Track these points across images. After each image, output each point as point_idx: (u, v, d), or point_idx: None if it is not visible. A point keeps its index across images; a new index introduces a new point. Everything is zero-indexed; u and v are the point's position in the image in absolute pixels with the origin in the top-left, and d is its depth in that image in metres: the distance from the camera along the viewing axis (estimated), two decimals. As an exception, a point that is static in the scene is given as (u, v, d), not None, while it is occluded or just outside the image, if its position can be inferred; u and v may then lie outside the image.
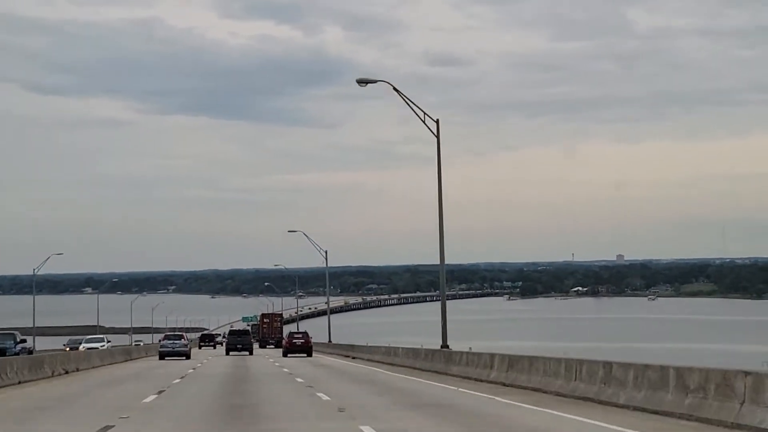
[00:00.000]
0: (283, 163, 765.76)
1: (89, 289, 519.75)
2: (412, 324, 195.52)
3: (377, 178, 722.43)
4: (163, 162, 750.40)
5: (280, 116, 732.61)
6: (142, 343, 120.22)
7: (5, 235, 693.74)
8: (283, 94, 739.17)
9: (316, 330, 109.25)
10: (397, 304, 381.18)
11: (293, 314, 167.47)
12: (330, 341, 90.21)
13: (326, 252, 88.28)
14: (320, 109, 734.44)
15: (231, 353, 76.91)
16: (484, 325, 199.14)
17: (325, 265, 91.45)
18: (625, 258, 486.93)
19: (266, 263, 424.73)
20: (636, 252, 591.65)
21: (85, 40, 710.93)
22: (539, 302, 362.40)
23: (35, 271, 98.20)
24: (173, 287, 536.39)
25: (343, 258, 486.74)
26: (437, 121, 41.43)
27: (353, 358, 64.17)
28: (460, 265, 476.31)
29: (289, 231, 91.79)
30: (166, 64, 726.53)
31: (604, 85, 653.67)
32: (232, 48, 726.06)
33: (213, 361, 61.21)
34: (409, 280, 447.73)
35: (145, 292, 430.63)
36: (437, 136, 41.41)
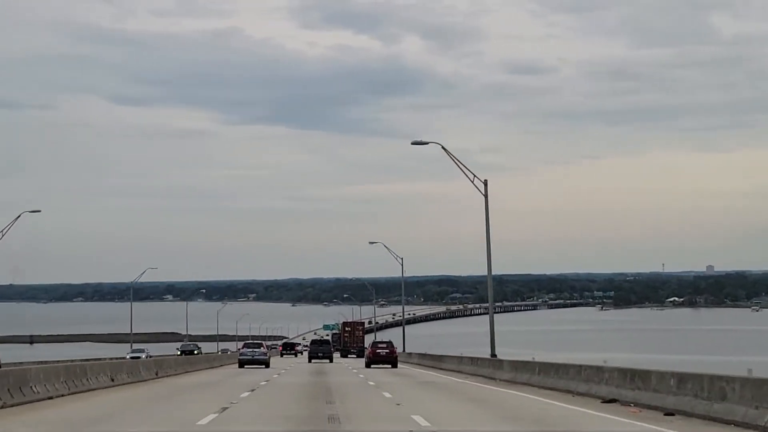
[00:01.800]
0: (362, 173, 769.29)
1: (170, 297, 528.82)
2: (498, 334, 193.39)
3: (456, 188, 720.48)
4: (242, 172, 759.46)
5: (358, 126, 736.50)
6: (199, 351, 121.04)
7: (88, 244, 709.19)
8: (361, 104, 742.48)
9: (398, 339, 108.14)
10: (483, 314, 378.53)
11: (373, 321, 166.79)
12: (404, 350, 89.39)
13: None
14: (398, 119, 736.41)
15: (313, 360, 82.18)
16: (583, 335, 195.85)
17: (407, 274, 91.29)
18: (716, 269, 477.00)
19: (347, 272, 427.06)
20: (726, 263, 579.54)
21: (166, 52, 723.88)
22: (633, 312, 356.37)
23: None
24: (254, 295, 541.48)
25: (425, 267, 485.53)
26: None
27: (462, 373, 56.46)
28: (545, 274, 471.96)
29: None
30: (244, 75, 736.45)
31: (686, 92, 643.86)
32: (310, 58, 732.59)
33: (292, 370, 60.50)
34: (494, 288, 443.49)
35: (225, 300, 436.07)
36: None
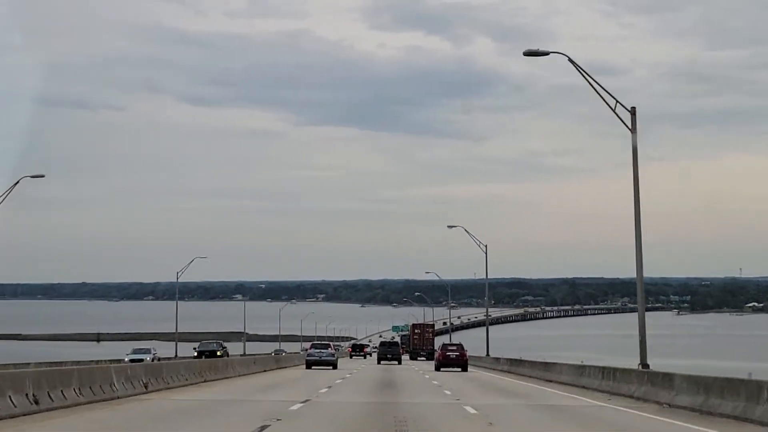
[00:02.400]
0: (432, 175, 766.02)
1: (239, 296, 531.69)
2: (574, 338, 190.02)
3: (527, 190, 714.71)
4: (313, 173, 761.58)
5: (429, 128, 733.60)
6: (284, 353, 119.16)
7: (159, 243, 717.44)
8: (432, 106, 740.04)
9: (469, 342, 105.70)
10: (556, 317, 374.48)
11: (448, 322, 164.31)
12: (488, 354, 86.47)
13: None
14: (469, 121, 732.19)
15: (382, 362, 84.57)
16: (666, 340, 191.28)
17: (476, 276, 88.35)
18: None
19: (416, 274, 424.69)
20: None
21: (238, 53, 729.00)
22: (711, 317, 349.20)
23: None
24: (323, 296, 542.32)
25: (496, 270, 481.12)
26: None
27: (549, 381, 48.67)
28: (618, 278, 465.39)
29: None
30: (316, 76, 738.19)
31: (762, 94, 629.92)
32: (381, 59, 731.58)
33: (361, 372, 58.65)
34: (567, 292, 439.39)
35: (294, 300, 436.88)
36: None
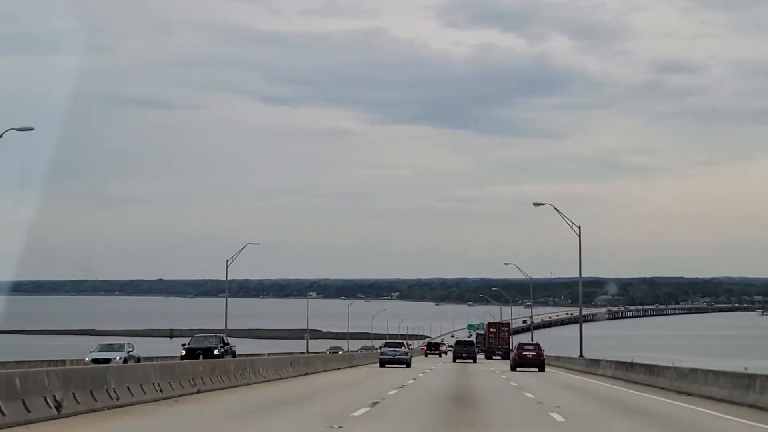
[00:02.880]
0: (508, 174, 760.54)
1: (313, 294, 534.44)
2: (656, 338, 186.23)
3: (604, 189, 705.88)
4: (387, 171, 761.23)
5: (505, 126, 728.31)
6: (340, 351, 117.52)
7: (234, 241, 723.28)
8: (506, 104, 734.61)
9: (546, 341, 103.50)
10: (635, 317, 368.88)
11: (524, 322, 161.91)
12: (581, 355, 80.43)
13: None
14: (544, 119, 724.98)
15: (457, 360, 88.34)
16: (751, 341, 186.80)
17: (552, 275, 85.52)
18: None
19: (492, 273, 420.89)
20: None
21: (313, 51, 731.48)
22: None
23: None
24: (397, 294, 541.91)
25: (571, 268, 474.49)
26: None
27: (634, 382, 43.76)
28: (698, 278, 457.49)
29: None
30: (390, 75, 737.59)
31: None
32: (455, 58, 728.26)
33: (435, 372, 57.08)
34: (646, 291, 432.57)
35: (367, 298, 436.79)
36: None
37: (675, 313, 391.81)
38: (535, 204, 76.25)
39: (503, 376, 51.91)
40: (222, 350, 55.54)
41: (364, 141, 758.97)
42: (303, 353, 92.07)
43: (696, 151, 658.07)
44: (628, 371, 47.75)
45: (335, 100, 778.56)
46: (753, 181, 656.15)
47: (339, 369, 59.86)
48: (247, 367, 38.52)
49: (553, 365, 77.24)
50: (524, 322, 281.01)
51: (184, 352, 55.13)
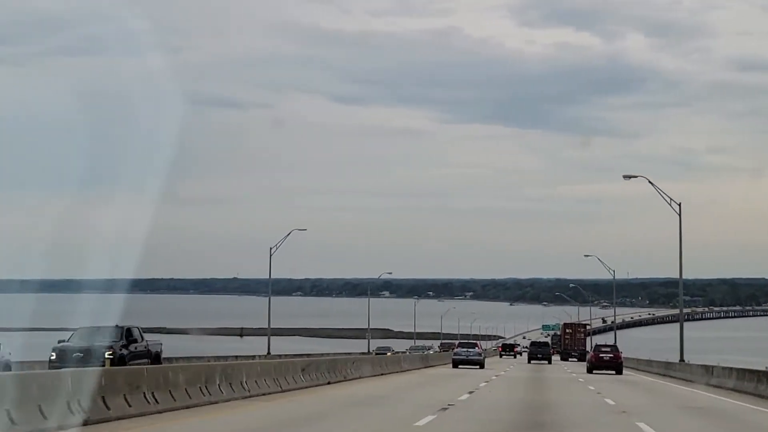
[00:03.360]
0: (583, 173, 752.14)
1: (386, 293, 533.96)
2: (739, 340, 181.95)
3: (681, 188, 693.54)
4: (459, 170, 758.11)
5: (577, 125, 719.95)
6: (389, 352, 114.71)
7: (308, 241, 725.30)
8: (581, 103, 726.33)
9: (623, 343, 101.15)
10: (714, 318, 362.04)
11: (604, 322, 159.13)
12: (682, 359, 74.05)
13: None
14: (619, 118, 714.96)
15: (532, 361, 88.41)
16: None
17: (629, 275, 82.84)
18: None
19: (566, 273, 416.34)
20: None
21: (385, 51, 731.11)
22: None
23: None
24: (471, 294, 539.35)
25: (649, 269, 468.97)
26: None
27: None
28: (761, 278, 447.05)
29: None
30: (462, 74, 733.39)
31: None
32: (529, 56, 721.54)
33: (509, 374, 55.43)
34: (726, 292, 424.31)
35: (441, 298, 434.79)
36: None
37: (758, 315, 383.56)
38: (625, 176, 66.29)
39: (581, 380, 50.13)
40: (120, 353, 35.86)
41: (435, 140, 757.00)
42: (360, 354, 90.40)
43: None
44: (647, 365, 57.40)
45: (408, 99, 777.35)
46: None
47: (394, 373, 57.26)
48: (211, 377, 26.30)
49: (631, 368, 75.14)
50: (603, 321, 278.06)
51: (53, 356, 35.36)
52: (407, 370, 57.07)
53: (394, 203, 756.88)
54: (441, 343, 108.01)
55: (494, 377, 49.34)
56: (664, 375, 60.87)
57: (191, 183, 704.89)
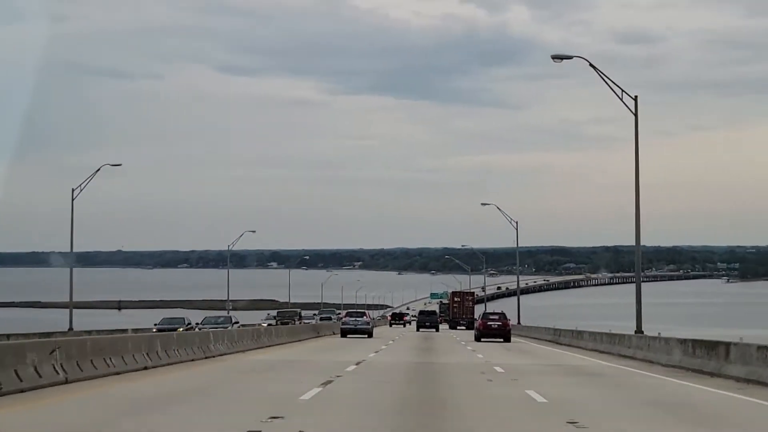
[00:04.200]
0: (471, 144, 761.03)
1: (274, 264, 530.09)
2: (615, 306, 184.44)
3: (566, 159, 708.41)
4: (350, 142, 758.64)
5: (465, 96, 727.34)
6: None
7: (194, 212, 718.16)
8: (468, 74, 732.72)
9: (508, 311, 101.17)
10: (598, 285, 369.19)
11: (494, 290, 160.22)
12: (519, 322, 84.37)
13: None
14: (505, 90, 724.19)
15: (421, 330, 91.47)
16: (721, 309, 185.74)
17: (516, 243, 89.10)
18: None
19: (455, 242, 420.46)
20: None
21: (273, 21, 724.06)
22: (763, 285, 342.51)
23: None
24: (359, 263, 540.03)
25: (536, 238, 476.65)
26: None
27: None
28: (660, 246, 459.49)
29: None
30: (351, 44, 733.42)
31: None
32: (416, 27, 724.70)
33: (397, 343, 53.89)
34: (610, 259, 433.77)
35: (330, 268, 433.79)
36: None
37: (642, 281, 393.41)
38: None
39: (469, 347, 48.84)
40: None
41: (327, 111, 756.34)
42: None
43: (656, 121, 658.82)
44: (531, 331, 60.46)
45: (298, 70, 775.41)
46: (711, 152, 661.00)
47: (311, 338, 56.04)
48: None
49: (521, 335, 74.63)
50: (498, 288, 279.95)
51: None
52: (299, 341, 55.09)
53: (283, 174, 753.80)
54: (278, 312, 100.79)
55: (383, 346, 47.89)
56: (553, 342, 60.12)
57: (78, 154, 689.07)
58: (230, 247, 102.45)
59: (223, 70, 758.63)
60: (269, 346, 45.66)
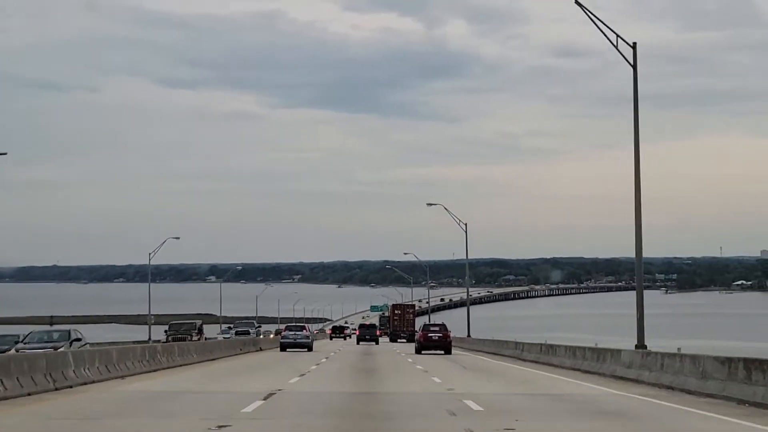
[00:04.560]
0: (411, 157, 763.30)
1: (213, 278, 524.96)
2: (562, 317, 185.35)
3: (504, 171, 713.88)
4: (290, 155, 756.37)
5: (405, 109, 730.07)
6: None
7: (133, 225, 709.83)
8: (407, 87, 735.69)
9: (451, 323, 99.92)
10: (540, 296, 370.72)
11: (427, 303, 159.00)
12: (468, 335, 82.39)
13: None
14: (444, 103, 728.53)
15: (361, 342, 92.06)
16: (662, 320, 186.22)
17: (455, 256, 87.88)
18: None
19: (395, 255, 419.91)
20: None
21: (213, 34, 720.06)
22: (701, 296, 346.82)
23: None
24: (299, 276, 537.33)
25: (476, 250, 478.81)
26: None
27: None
28: (598, 258, 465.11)
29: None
30: (291, 58, 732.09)
31: (738, 77, 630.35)
32: (355, 41, 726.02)
33: (337, 357, 52.30)
34: (549, 271, 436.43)
35: (269, 282, 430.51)
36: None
37: (578, 293, 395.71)
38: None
39: (409, 360, 47.49)
40: None
41: (267, 124, 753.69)
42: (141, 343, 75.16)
43: (591, 134, 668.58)
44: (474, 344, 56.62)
45: (238, 83, 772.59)
46: (648, 165, 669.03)
47: (251, 351, 54.13)
48: None
49: (463, 347, 73.53)
50: (442, 300, 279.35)
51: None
52: (233, 355, 53.19)
53: (223, 187, 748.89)
54: (169, 326, 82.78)
55: (324, 359, 47.02)
56: (495, 354, 58.95)
57: (10, 168, 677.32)
58: (152, 256, 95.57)
59: (162, 83, 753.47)
60: (168, 367, 38.23)
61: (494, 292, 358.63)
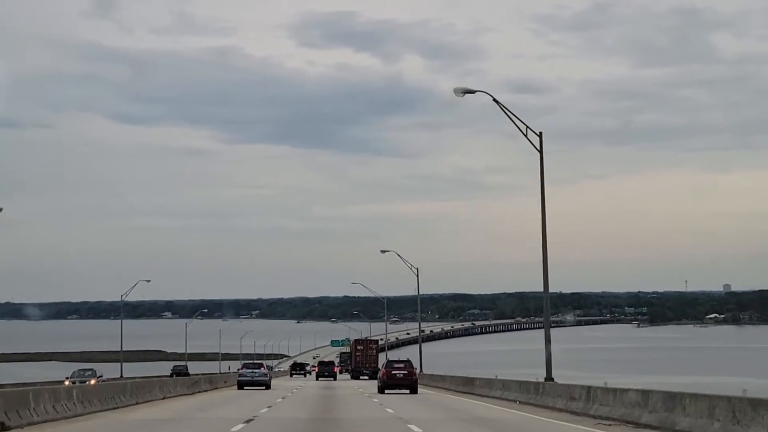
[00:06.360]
0: (368, 193, 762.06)
1: (168, 314, 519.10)
2: (524, 353, 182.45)
3: (463, 207, 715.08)
4: (246, 191, 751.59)
5: (362, 145, 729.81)
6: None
7: (87, 262, 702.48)
8: (363, 123, 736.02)
9: (415, 358, 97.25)
10: (503, 331, 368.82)
11: (397, 339, 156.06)
12: (421, 371, 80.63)
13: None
14: (400, 139, 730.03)
15: (320, 378, 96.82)
16: (636, 354, 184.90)
17: (417, 290, 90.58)
18: (733, 288, 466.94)
19: (355, 290, 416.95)
20: (745, 282, 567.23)
21: (166, 70, 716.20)
22: (673, 329, 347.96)
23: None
24: (257, 312, 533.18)
25: (438, 285, 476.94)
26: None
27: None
28: (562, 292, 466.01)
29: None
30: (245, 93, 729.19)
31: (691, 112, 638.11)
32: (311, 77, 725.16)
33: (295, 395, 49.19)
34: (515, 305, 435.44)
35: (226, 317, 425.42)
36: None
37: (551, 326, 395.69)
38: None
39: (375, 400, 44.32)
40: None
41: (222, 160, 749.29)
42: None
43: (550, 169, 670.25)
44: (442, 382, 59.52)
45: (192, 119, 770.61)
46: (600, 201, 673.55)
47: (206, 391, 50.98)
48: None
49: (429, 385, 70.38)
50: (408, 334, 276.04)
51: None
52: (180, 395, 49.83)
53: (179, 224, 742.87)
54: (244, 364, 78.07)
55: (280, 399, 44.16)
56: (466, 393, 55.87)
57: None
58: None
59: (116, 119, 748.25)
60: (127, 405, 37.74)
61: (455, 327, 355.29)
